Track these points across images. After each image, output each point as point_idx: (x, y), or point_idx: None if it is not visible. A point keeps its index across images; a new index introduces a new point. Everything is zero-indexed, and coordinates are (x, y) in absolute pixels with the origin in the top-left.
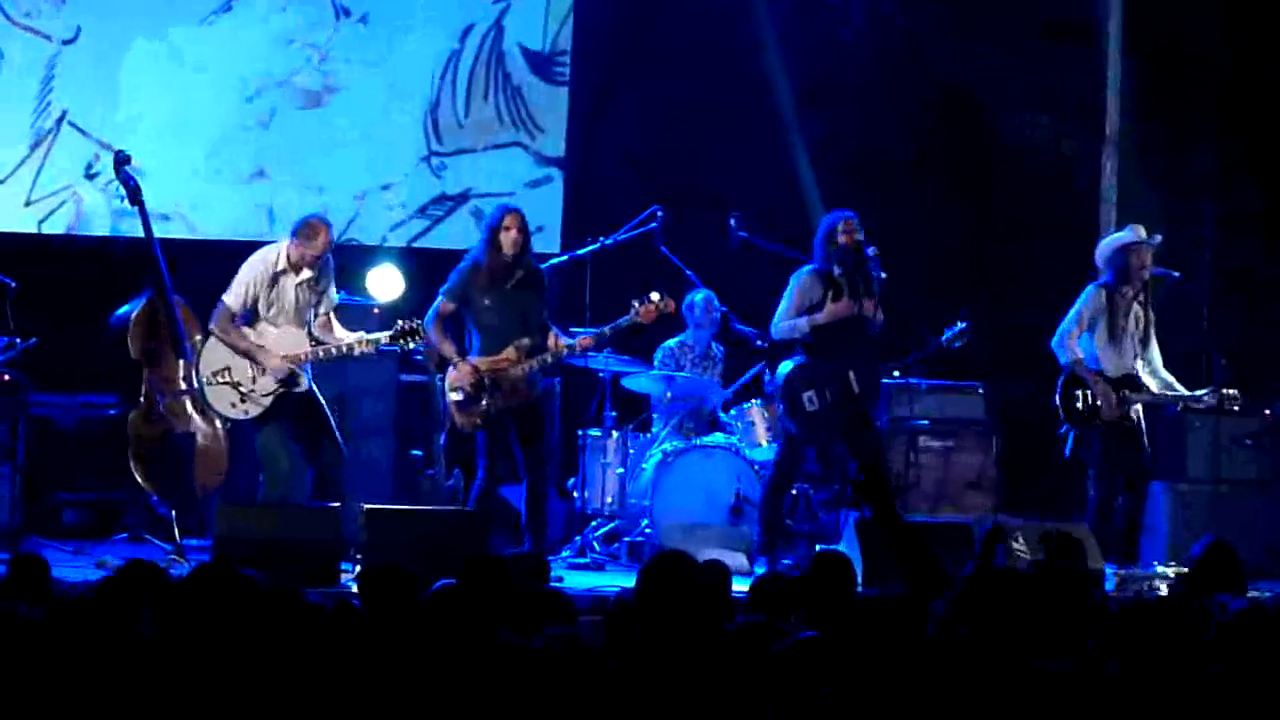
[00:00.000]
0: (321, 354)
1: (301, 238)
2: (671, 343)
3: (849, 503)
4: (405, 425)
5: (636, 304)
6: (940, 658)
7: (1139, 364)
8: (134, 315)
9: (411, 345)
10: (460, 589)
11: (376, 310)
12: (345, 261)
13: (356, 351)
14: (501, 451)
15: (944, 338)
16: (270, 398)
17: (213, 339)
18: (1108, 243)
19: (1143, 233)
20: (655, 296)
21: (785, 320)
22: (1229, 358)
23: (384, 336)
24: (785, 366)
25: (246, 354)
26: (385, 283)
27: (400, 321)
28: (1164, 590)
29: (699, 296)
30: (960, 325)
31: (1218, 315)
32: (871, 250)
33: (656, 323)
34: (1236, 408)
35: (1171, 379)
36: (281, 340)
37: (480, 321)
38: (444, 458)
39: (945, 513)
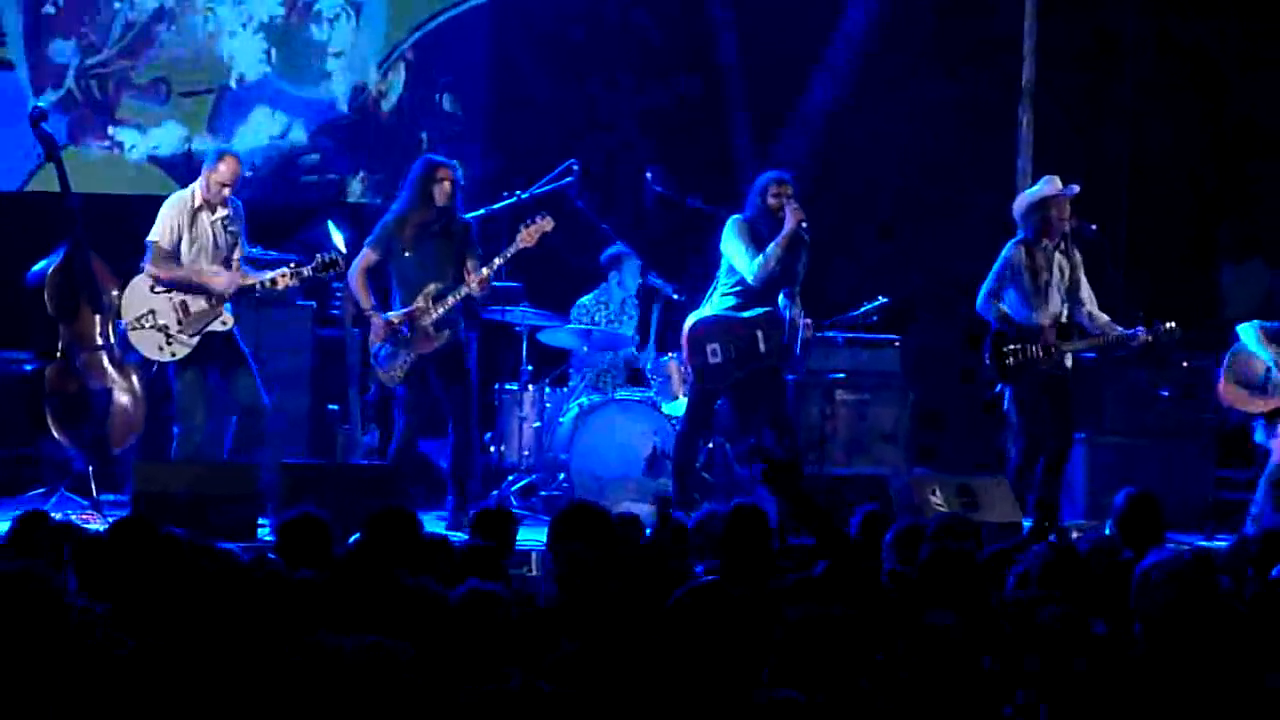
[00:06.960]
0: (256, 286)
1: (211, 167)
2: (587, 299)
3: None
4: (321, 380)
5: (521, 228)
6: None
7: (1076, 311)
8: (50, 271)
9: (333, 274)
10: (367, 543)
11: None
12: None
13: (280, 285)
14: (423, 402)
15: (859, 311)
16: (197, 338)
17: (134, 282)
18: (1025, 198)
19: (1059, 184)
20: (537, 218)
21: (758, 259)
22: (1144, 309)
23: (307, 269)
24: (694, 316)
25: (190, 281)
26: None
27: (320, 255)
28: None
29: (623, 257)
30: (879, 301)
31: (1135, 267)
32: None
33: (539, 244)
34: (1174, 338)
35: (1107, 319)
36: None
37: (401, 273)
38: (362, 413)
39: (859, 464)
